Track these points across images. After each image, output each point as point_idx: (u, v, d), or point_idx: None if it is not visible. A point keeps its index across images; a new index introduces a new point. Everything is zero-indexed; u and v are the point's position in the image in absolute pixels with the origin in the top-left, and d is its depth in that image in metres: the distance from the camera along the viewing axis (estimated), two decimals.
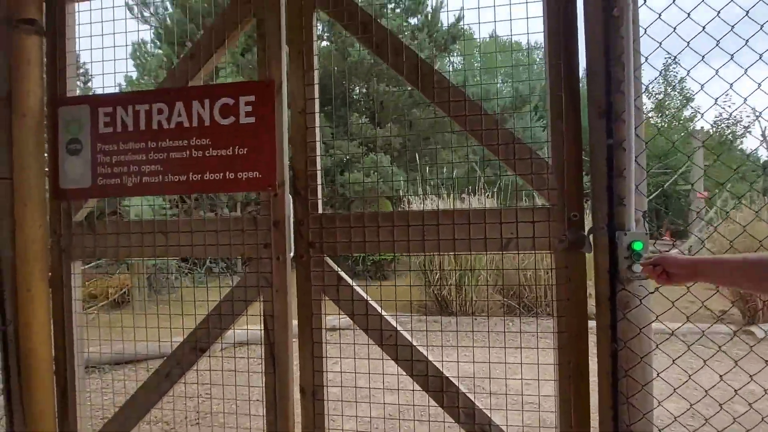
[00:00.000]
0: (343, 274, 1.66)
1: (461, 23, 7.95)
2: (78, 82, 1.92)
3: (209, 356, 1.75)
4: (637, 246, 1.31)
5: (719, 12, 1.37)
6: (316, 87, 1.66)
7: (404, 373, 1.61)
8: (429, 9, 8.72)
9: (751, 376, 1.37)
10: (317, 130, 1.67)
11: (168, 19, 8.67)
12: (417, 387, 1.60)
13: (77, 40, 1.90)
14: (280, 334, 1.67)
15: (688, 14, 1.38)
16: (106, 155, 1.79)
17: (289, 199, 1.67)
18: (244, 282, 1.70)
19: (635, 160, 1.36)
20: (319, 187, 1.67)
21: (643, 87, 1.38)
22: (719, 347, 1.36)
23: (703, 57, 1.37)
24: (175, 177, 1.73)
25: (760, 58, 1.34)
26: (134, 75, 8.78)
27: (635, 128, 1.36)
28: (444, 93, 1.57)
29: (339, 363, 1.65)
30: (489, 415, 1.55)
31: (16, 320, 1.79)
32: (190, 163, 1.71)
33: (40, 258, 1.82)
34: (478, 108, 1.55)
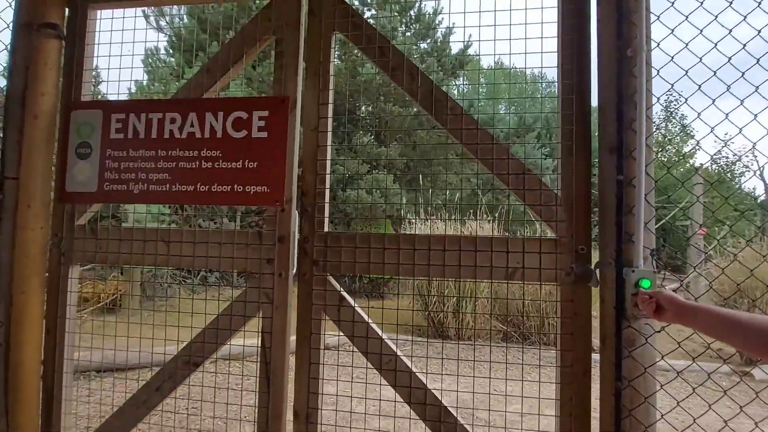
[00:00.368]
0: (345, 294, 1.63)
1: (470, 51, 8.13)
2: (91, 87, 1.93)
3: (203, 371, 1.70)
4: (645, 284, 1.30)
5: (730, 59, 1.40)
6: (330, 107, 1.68)
7: (401, 400, 1.57)
8: (439, 35, 8.93)
9: (756, 423, 1.35)
10: (329, 149, 1.67)
11: (182, 29, 8.84)
12: (414, 415, 1.56)
13: (96, 46, 1.92)
14: (277, 353, 1.64)
15: (700, 59, 1.41)
16: (114, 161, 1.79)
17: (295, 216, 1.67)
18: (244, 297, 1.68)
19: (644, 198, 1.36)
20: (327, 206, 1.67)
21: (654, 126, 1.40)
22: (725, 391, 1.34)
23: (698, 86, 1.39)
24: (183, 187, 1.72)
25: (756, 90, 1.35)
26: (145, 81, 8.89)
27: (645, 166, 1.37)
28: (457, 120, 1.58)
29: (333, 384, 1.61)
30: None
31: (8, 321, 1.75)
32: (198, 174, 1.71)
33: (38, 260, 1.79)
34: (489, 137, 1.56)
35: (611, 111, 1.42)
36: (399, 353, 1.60)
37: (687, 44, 1.39)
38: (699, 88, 1.39)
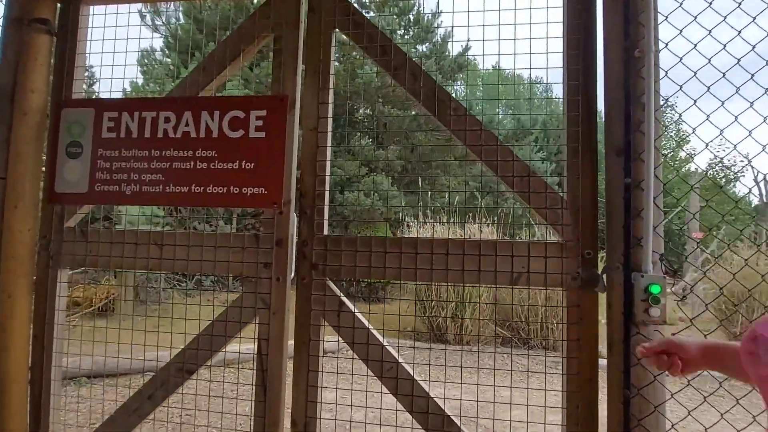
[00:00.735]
0: (345, 299, 1.59)
1: (472, 51, 8.14)
2: (83, 85, 1.88)
3: (196, 379, 1.65)
4: (655, 289, 1.27)
5: (739, 60, 1.37)
6: (330, 106, 1.63)
7: (403, 408, 1.52)
8: (438, 38, 8.93)
9: None
10: (328, 150, 1.63)
11: (179, 29, 8.78)
12: (416, 424, 1.51)
13: (88, 42, 1.87)
14: (274, 361, 1.59)
15: (709, 60, 1.38)
16: (106, 161, 1.74)
17: (293, 218, 1.62)
18: (240, 302, 1.62)
19: (653, 201, 1.33)
20: (326, 208, 1.62)
21: (662, 128, 1.36)
22: (737, 400, 1.30)
23: (707, 87, 1.36)
24: (177, 188, 1.67)
25: (751, 105, 1.33)
26: (140, 81, 8.81)
27: (654, 168, 1.33)
28: (460, 120, 1.55)
29: (332, 392, 1.56)
30: None
31: None
32: (193, 175, 1.66)
33: (25, 262, 1.73)
34: (493, 138, 1.52)
35: (618, 113, 1.39)
36: (401, 360, 1.55)
37: (695, 45, 1.36)
38: (708, 90, 1.36)
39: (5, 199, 1.70)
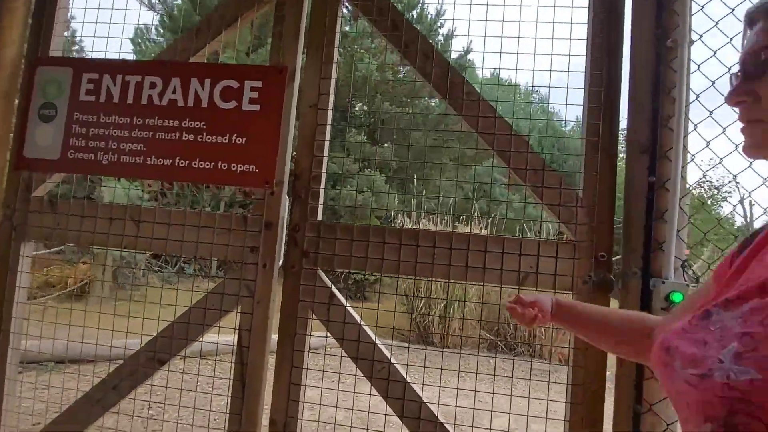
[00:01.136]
0: (336, 291, 1.46)
1: (470, 53, 8.07)
2: (63, 43, 1.71)
3: (168, 370, 1.50)
4: (677, 297, 1.17)
5: None
6: (333, 81, 1.51)
7: (393, 413, 1.40)
8: (440, 37, 8.84)
9: None
10: (328, 129, 1.50)
11: (175, 9, 8.52)
12: (406, 430, 1.39)
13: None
14: (256, 354, 1.45)
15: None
16: (82, 126, 1.58)
17: (285, 200, 1.49)
18: (222, 288, 1.49)
19: (678, 203, 1.23)
20: (322, 191, 1.49)
21: (692, 125, 1.27)
22: None
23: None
24: (159, 160, 1.52)
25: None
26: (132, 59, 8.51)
27: (680, 168, 1.24)
28: (473, 106, 1.43)
29: (317, 391, 1.44)
30: None
31: None
32: (178, 147, 1.51)
33: None
34: (508, 127, 1.41)
35: (646, 107, 1.29)
36: (393, 361, 1.43)
37: (731, 39, 1.27)
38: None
39: None
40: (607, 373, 1.32)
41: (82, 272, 6.22)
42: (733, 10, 1.26)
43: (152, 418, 1.42)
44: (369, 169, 7.51)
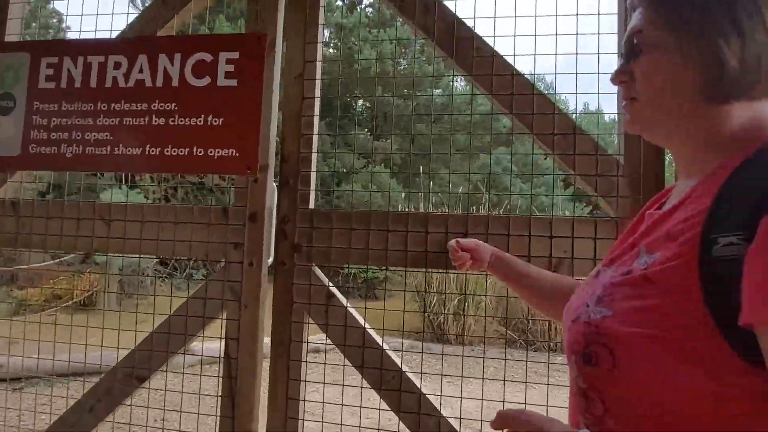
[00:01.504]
0: (335, 290, 1.26)
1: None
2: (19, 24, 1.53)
3: (148, 388, 1.32)
4: None
5: None
6: (320, 46, 1.30)
7: (408, 431, 1.20)
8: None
9: None
10: (317, 102, 1.30)
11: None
12: None
13: None
14: (246, 366, 1.25)
15: None
16: (43, 117, 1.40)
17: (272, 188, 1.29)
18: (204, 292, 1.29)
19: None
20: (313, 175, 1.29)
21: None
22: None
23: None
24: (128, 150, 1.33)
25: None
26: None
27: None
28: (485, 64, 1.21)
29: (318, 405, 1.25)
30: None
31: None
32: (148, 133, 1.32)
33: None
34: (529, 86, 1.19)
35: None
36: (405, 369, 1.22)
37: None
38: None
39: None
40: None
41: (87, 283, 6.12)
42: None
43: None
44: (372, 165, 7.30)
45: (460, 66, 1.23)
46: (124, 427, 1.32)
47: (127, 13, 1.44)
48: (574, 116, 1.23)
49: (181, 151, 1.30)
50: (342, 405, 1.25)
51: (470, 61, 1.22)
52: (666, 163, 1.23)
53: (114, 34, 1.42)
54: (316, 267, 1.27)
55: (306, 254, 1.26)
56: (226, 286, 1.27)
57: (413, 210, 5.45)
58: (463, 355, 1.31)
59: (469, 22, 1.23)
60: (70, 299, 5.92)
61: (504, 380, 1.15)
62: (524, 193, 5.51)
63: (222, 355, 1.27)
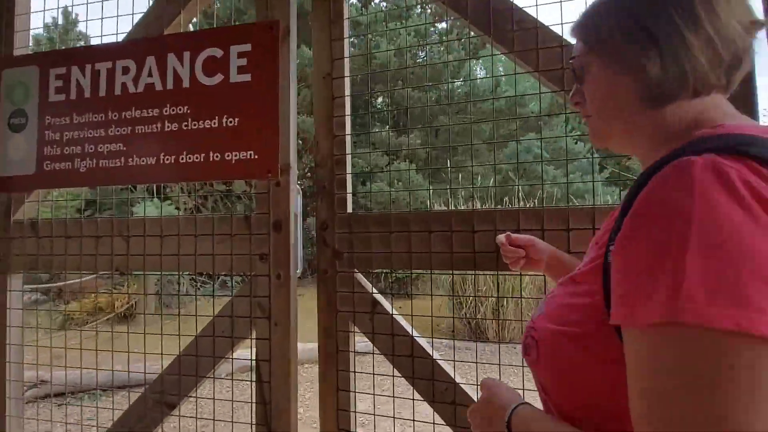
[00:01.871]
0: (380, 297, 1.13)
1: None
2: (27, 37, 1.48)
3: (179, 415, 1.22)
4: None
5: None
6: (347, 42, 1.17)
7: None
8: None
9: None
10: (347, 101, 1.17)
11: None
12: None
13: None
14: (280, 390, 1.14)
15: None
16: (55, 131, 1.33)
17: (296, 191, 1.17)
18: (231, 310, 1.19)
19: None
20: (349, 177, 1.16)
21: None
22: None
23: None
24: (142, 160, 1.24)
25: None
26: None
27: None
28: (528, 37, 1.04)
29: (369, 418, 1.12)
30: None
31: None
32: (161, 140, 1.23)
33: None
34: None
35: None
36: (459, 380, 1.08)
37: None
38: None
39: None
40: None
41: (126, 295, 6.27)
42: None
43: None
44: (397, 161, 7.15)
45: (498, 43, 1.07)
46: None
47: (132, 14, 1.35)
48: None
49: (197, 158, 1.20)
50: (393, 418, 1.12)
51: (510, 36, 1.05)
52: None
53: (120, 37, 1.34)
54: (359, 273, 1.14)
55: (348, 261, 1.13)
56: (254, 302, 1.16)
57: (443, 207, 5.28)
58: (522, 365, 1.14)
59: None
60: (111, 311, 6.08)
61: None
62: (559, 182, 5.22)
63: (252, 379, 1.17)
